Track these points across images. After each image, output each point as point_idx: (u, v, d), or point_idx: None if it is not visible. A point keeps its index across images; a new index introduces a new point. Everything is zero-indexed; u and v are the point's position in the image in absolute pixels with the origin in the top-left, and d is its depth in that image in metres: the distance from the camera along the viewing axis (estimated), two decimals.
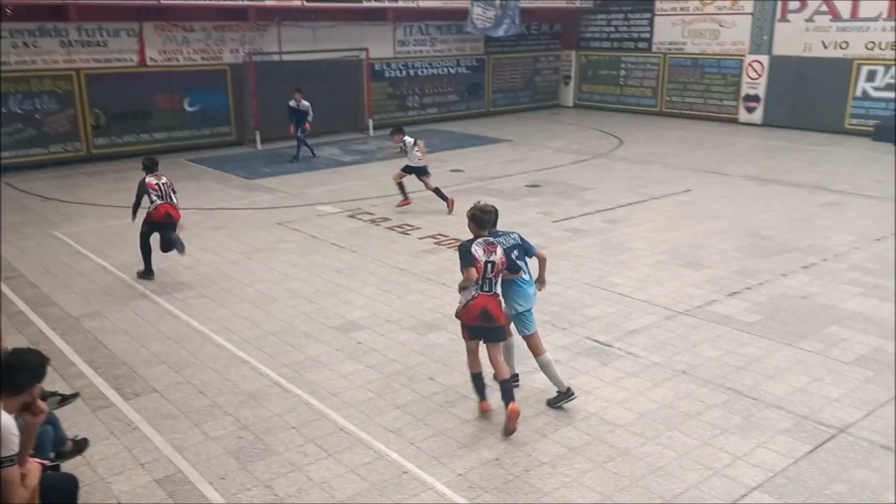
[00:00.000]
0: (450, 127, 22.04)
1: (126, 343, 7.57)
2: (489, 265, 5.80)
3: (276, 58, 19.29)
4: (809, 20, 20.10)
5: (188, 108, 18.31)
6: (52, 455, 5.09)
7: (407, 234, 11.25)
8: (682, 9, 22.79)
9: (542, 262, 6.36)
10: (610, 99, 25.03)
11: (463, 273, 5.76)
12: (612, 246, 10.54)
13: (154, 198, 9.30)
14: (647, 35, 23.77)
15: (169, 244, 9.46)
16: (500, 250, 5.86)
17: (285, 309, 8.41)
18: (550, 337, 7.53)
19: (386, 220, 12.03)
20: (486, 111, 24.34)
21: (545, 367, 6.22)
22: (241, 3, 17.60)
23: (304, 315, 8.23)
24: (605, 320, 7.99)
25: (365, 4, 19.65)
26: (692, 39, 22.71)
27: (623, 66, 24.54)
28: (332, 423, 6.01)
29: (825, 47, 19.88)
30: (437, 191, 12.53)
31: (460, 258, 5.80)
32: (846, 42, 19.51)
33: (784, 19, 20.64)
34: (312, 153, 17.44)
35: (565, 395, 6.24)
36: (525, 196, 13.53)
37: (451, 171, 15.83)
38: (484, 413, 6.13)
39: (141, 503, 5.06)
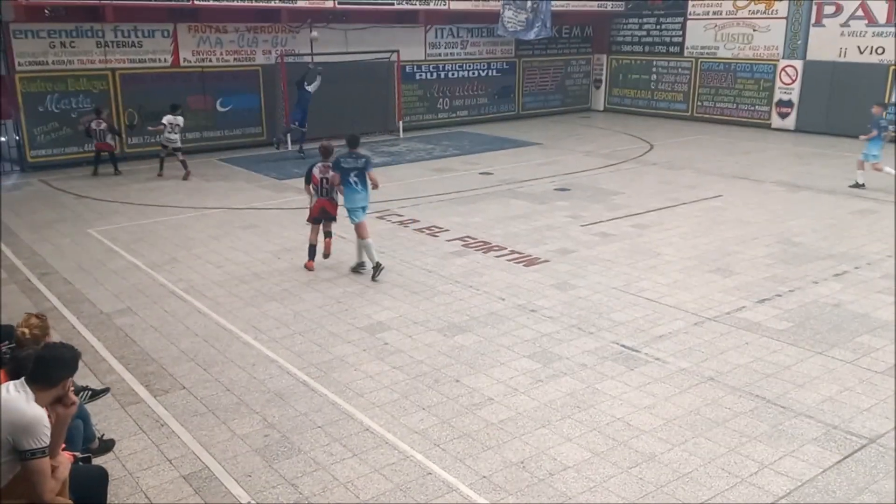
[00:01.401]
0: (479, 129, 22.04)
1: (156, 340, 7.68)
2: (324, 180, 9.51)
3: (307, 59, 19.43)
4: (845, 25, 19.80)
5: (220, 109, 18.53)
6: (82, 449, 5.19)
7: (435, 236, 11.27)
8: (714, 13, 22.58)
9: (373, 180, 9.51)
10: (641, 103, 24.86)
11: (305, 188, 9.76)
12: (640, 251, 10.47)
13: (94, 137, 15.79)
14: (679, 39, 23.58)
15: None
16: (332, 171, 9.40)
17: (313, 309, 8.47)
18: (577, 341, 7.52)
19: (415, 221, 12.07)
20: (516, 114, 24.31)
21: (365, 248, 9.45)
22: (273, 4, 17.77)
23: (331, 315, 8.28)
24: (633, 325, 7.94)
25: (396, 7, 19.73)
26: (725, 44, 22.48)
27: (655, 70, 24.37)
28: (357, 423, 6.05)
29: (861, 52, 19.58)
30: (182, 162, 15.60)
31: (305, 176, 9.72)
32: (882, 47, 19.19)
33: (819, 24, 20.36)
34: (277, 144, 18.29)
35: (377, 267, 9.32)
36: (554, 200, 13.49)
37: (481, 173, 15.84)
38: (309, 269, 9.70)
39: (168, 498, 5.13)
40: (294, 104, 17.65)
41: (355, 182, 9.43)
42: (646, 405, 6.28)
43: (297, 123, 17.61)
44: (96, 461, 5.36)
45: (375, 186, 9.55)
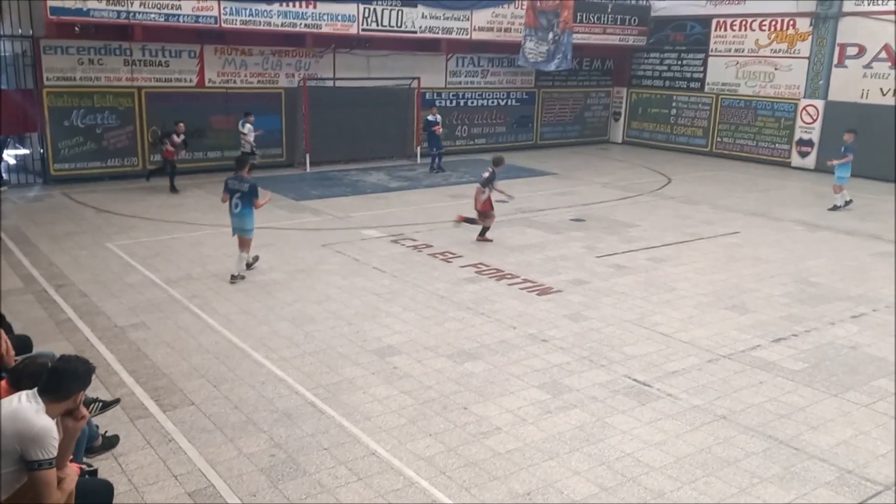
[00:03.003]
0: None
1: (168, 355, 7.71)
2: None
3: (329, 84, 19.66)
4: (868, 66, 19.79)
5: (242, 130, 18.68)
6: (84, 462, 5.20)
7: (449, 261, 11.27)
8: (736, 50, 22.65)
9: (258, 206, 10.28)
10: (660, 137, 24.88)
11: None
12: (655, 284, 10.41)
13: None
14: (700, 75, 23.64)
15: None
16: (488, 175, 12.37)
17: (324, 330, 8.48)
18: (588, 373, 7.46)
19: (428, 246, 12.08)
20: (533, 143, 24.40)
21: (239, 258, 10.25)
22: (299, 29, 18.02)
23: (342, 337, 8.28)
24: (646, 359, 7.87)
25: (419, 35, 19.95)
26: (746, 81, 22.51)
27: (674, 104, 24.42)
28: (363, 446, 6.02)
29: (883, 94, 19.53)
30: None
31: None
32: None
33: (841, 65, 20.36)
34: (435, 167, 19.40)
35: (251, 265, 10.47)
36: (569, 230, 13.48)
37: (496, 201, 15.82)
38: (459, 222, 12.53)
39: None
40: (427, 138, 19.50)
41: (236, 204, 10.10)
42: (656, 441, 6.20)
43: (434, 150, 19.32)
44: (105, 470, 5.38)
45: (259, 206, 10.32)
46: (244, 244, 10.26)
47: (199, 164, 17.95)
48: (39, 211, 14.11)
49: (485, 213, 12.38)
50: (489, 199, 12.36)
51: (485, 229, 12.44)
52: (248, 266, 10.47)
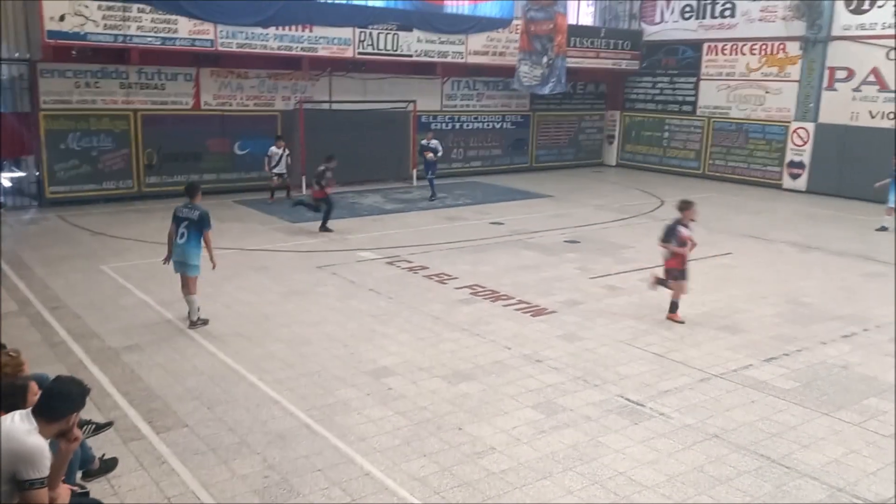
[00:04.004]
0: (493, 180, 22.25)
1: (161, 377, 7.71)
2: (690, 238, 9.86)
3: (325, 106, 19.81)
4: (857, 90, 20.05)
5: (238, 152, 18.82)
6: (78, 478, 5.19)
7: (444, 283, 11.32)
8: (727, 74, 22.92)
9: (207, 241, 9.12)
10: (653, 160, 25.10)
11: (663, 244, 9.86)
12: (648, 305, 10.46)
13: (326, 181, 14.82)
14: (692, 98, 23.90)
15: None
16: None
17: (319, 351, 8.50)
18: (582, 393, 7.49)
19: (423, 268, 12.13)
20: (529, 166, 24.57)
21: (188, 302, 9.10)
22: (295, 53, 18.19)
23: (337, 358, 8.30)
24: (638, 379, 7.90)
25: (415, 59, 20.15)
26: (737, 105, 22.76)
27: (667, 128, 24.67)
28: (358, 467, 6.02)
29: (872, 117, 19.77)
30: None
31: (666, 233, 9.80)
32: (893, 113, 19.36)
33: (831, 88, 20.61)
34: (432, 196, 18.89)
35: (195, 322, 9.10)
36: (564, 251, 13.55)
37: (492, 223, 15.96)
38: (678, 321, 9.81)
39: None
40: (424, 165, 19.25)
41: (182, 234, 8.97)
42: (649, 460, 6.23)
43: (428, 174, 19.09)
44: (98, 492, 5.37)
45: (208, 249, 9.06)
46: (189, 284, 9.04)
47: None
48: (34, 234, 14.14)
49: (671, 272, 9.86)
50: (680, 256, 9.76)
51: (674, 304, 9.83)
52: (193, 323, 9.14)
